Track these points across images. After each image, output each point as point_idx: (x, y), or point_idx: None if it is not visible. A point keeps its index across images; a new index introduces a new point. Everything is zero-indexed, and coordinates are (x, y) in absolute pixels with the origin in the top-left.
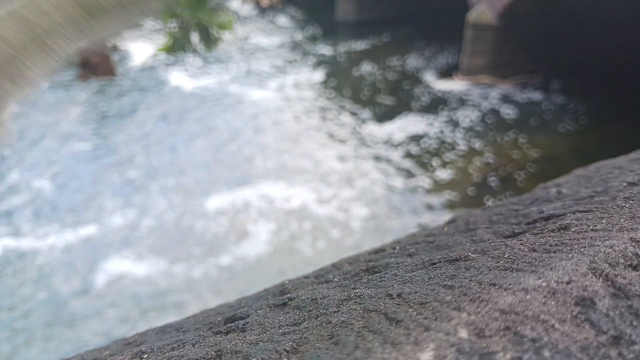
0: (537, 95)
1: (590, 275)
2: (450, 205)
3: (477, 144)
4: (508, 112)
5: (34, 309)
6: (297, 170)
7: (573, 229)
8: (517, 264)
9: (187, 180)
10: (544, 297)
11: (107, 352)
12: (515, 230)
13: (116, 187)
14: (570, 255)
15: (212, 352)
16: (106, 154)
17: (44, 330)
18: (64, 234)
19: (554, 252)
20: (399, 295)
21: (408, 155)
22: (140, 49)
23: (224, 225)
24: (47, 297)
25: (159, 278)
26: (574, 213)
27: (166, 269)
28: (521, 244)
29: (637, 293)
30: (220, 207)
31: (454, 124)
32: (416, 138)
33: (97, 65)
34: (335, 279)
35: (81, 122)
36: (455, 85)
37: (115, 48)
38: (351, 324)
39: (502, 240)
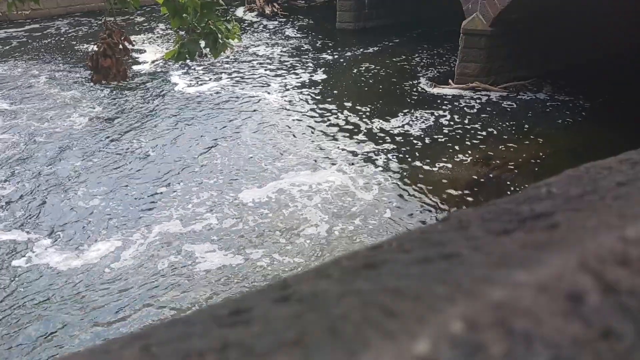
0: (528, 100)
1: (579, 271)
2: (443, 204)
3: (471, 146)
4: (501, 115)
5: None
6: (316, 160)
7: (563, 227)
8: (509, 260)
9: (220, 178)
10: (535, 291)
11: (117, 345)
12: (507, 228)
13: (155, 189)
14: (559, 252)
15: (218, 344)
16: (132, 157)
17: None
18: (115, 239)
19: (544, 249)
20: (395, 289)
21: (400, 156)
22: (149, 53)
23: (270, 215)
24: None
25: (233, 265)
26: (563, 212)
27: (234, 259)
28: (512, 241)
29: (625, 289)
30: (261, 199)
31: (449, 126)
32: (411, 139)
33: (108, 69)
34: (335, 274)
35: (95, 127)
36: (450, 91)
37: (125, 51)
38: (350, 317)
39: (494, 237)
